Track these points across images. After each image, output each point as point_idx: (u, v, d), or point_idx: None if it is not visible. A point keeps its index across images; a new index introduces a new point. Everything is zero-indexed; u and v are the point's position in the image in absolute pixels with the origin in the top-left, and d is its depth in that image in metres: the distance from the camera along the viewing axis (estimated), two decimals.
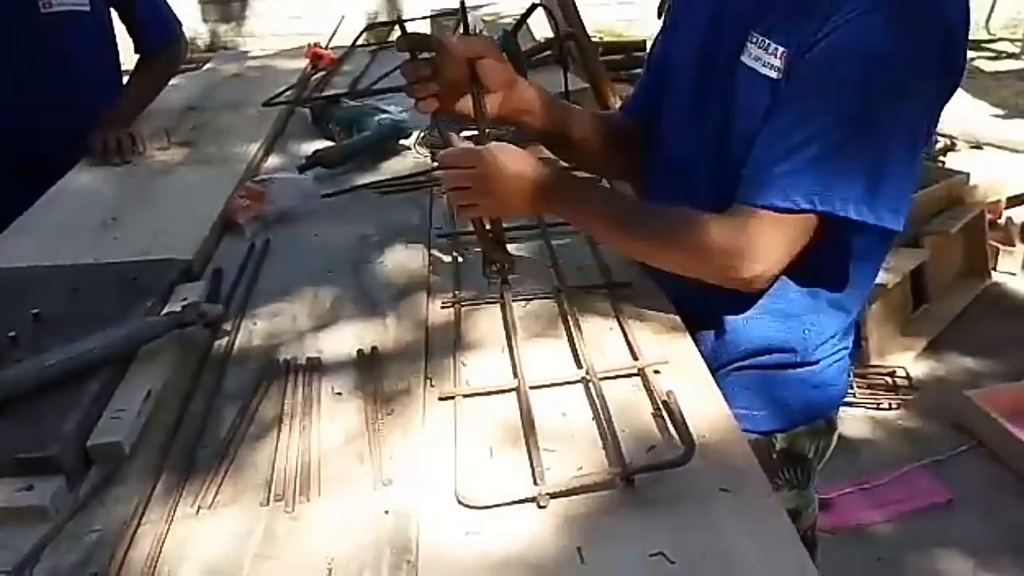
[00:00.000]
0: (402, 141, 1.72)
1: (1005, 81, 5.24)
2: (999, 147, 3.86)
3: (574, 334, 1.04)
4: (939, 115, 0.95)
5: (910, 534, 2.08)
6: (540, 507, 0.79)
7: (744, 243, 0.93)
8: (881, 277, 2.71)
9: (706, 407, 0.92)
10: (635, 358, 0.99)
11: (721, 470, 0.83)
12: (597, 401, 0.92)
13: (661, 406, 0.91)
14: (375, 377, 1.00)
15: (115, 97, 1.85)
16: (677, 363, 1.00)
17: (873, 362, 2.70)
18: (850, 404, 2.54)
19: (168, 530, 0.79)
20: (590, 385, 0.96)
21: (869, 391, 2.58)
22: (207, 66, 2.35)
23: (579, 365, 1.00)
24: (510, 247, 1.13)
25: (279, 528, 0.79)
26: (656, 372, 0.97)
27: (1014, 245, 3.22)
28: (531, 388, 0.95)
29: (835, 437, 1.20)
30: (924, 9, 0.88)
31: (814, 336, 1.08)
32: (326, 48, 2.41)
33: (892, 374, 2.64)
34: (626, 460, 0.83)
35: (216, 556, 0.76)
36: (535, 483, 0.81)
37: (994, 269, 3.15)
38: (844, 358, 1.14)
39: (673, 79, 1.11)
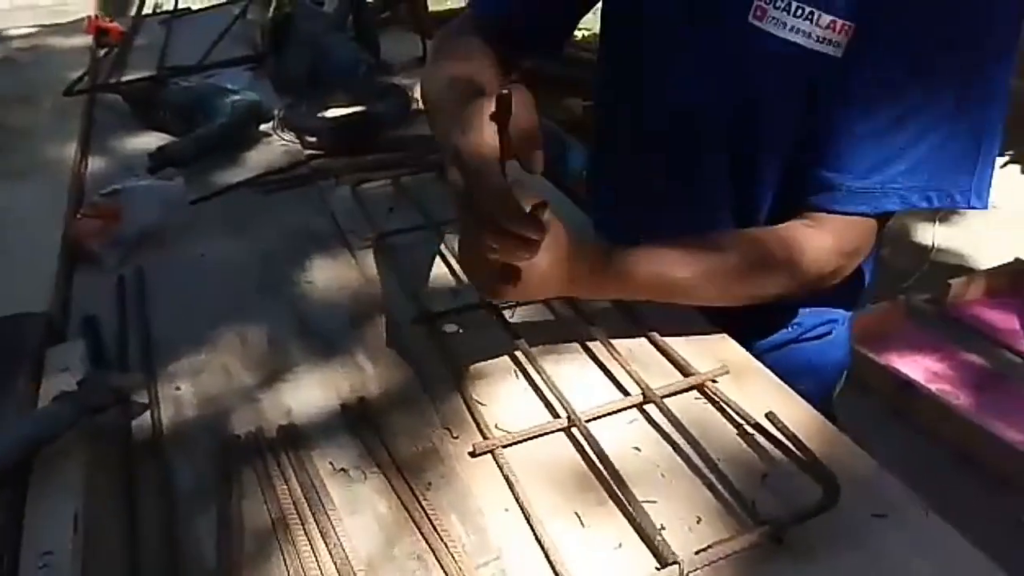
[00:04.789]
0: (261, 126, 1.43)
1: None
2: None
3: (598, 342, 0.87)
4: None
5: None
6: None
7: (847, 254, 0.84)
8: None
9: (792, 414, 0.79)
10: (678, 367, 0.84)
11: (856, 490, 0.70)
12: (670, 429, 0.76)
13: (755, 429, 0.76)
14: (379, 439, 0.77)
15: None
16: (730, 366, 0.85)
17: None
18: None
19: None
20: (648, 408, 0.79)
21: None
22: None
23: (618, 385, 0.83)
24: None
25: None
26: (713, 381, 0.82)
27: None
28: (587, 421, 0.77)
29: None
30: None
31: (838, 299, 1.01)
32: (108, 20, 2.00)
33: None
34: (755, 506, 0.68)
35: None
36: (666, 562, 0.64)
37: None
38: (855, 315, 1.08)
39: (657, 23, 0.94)
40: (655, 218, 0.99)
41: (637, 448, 0.76)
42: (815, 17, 0.79)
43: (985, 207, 0.80)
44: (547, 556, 0.64)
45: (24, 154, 1.33)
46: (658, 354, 0.87)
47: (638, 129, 1.00)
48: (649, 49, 0.95)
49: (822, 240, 0.82)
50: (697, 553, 0.64)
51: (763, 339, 0.98)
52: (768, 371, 0.85)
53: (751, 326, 0.95)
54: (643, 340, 0.89)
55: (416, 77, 1.58)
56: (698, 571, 0.63)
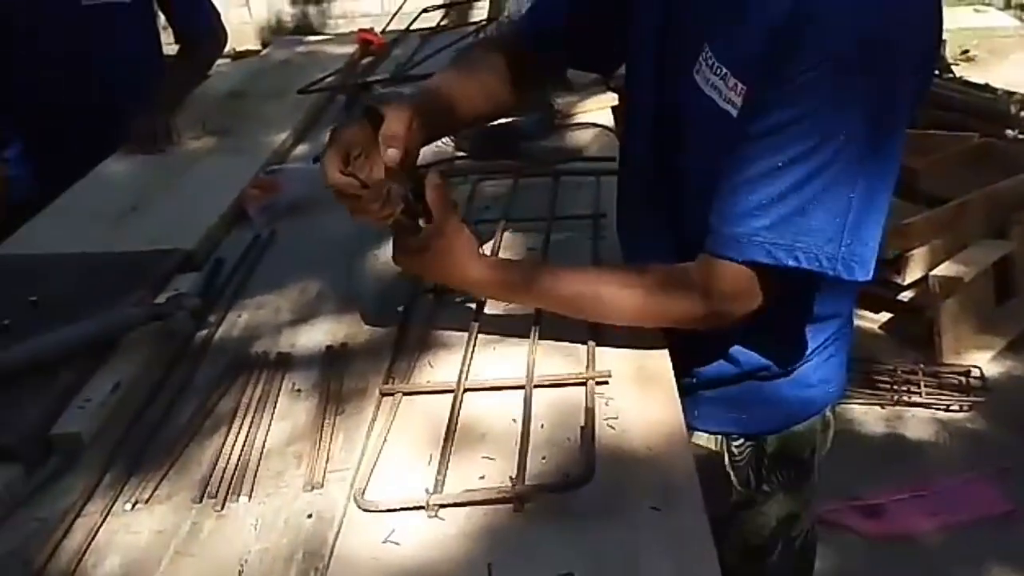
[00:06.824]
0: None
1: None
2: None
3: (533, 336, 1.01)
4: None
5: (965, 546, 1.96)
6: (430, 516, 0.78)
7: (717, 295, 0.88)
8: (958, 270, 2.57)
9: (657, 419, 0.88)
10: (588, 367, 0.96)
11: (658, 488, 0.80)
12: (525, 410, 0.90)
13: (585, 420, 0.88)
14: (337, 374, 1.00)
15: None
16: (645, 372, 0.96)
17: (947, 360, 2.55)
18: (916, 404, 2.41)
19: (102, 523, 0.81)
20: (525, 391, 0.93)
21: (938, 391, 2.44)
22: (264, 51, 2.39)
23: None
24: None
25: (205, 526, 0.80)
26: (602, 383, 0.94)
27: None
28: (467, 390, 0.94)
29: (831, 433, 1.15)
30: (902, 42, 0.79)
31: (800, 345, 1.04)
32: (382, 32, 2.42)
33: (966, 374, 2.49)
34: (526, 476, 0.81)
35: (139, 551, 0.78)
36: (431, 491, 0.80)
37: None
38: (840, 353, 1.09)
39: (634, 76, 1.06)
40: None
41: (514, 420, 0.90)
42: (725, 77, 0.86)
43: (858, 279, 0.82)
44: (369, 471, 0.84)
45: (252, 137, 1.73)
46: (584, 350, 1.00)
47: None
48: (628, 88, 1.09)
49: (695, 280, 0.88)
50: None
51: (700, 367, 1.06)
52: (672, 382, 0.94)
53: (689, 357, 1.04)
54: (586, 335, 1.02)
55: (565, 96, 1.77)
56: (445, 508, 0.79)
